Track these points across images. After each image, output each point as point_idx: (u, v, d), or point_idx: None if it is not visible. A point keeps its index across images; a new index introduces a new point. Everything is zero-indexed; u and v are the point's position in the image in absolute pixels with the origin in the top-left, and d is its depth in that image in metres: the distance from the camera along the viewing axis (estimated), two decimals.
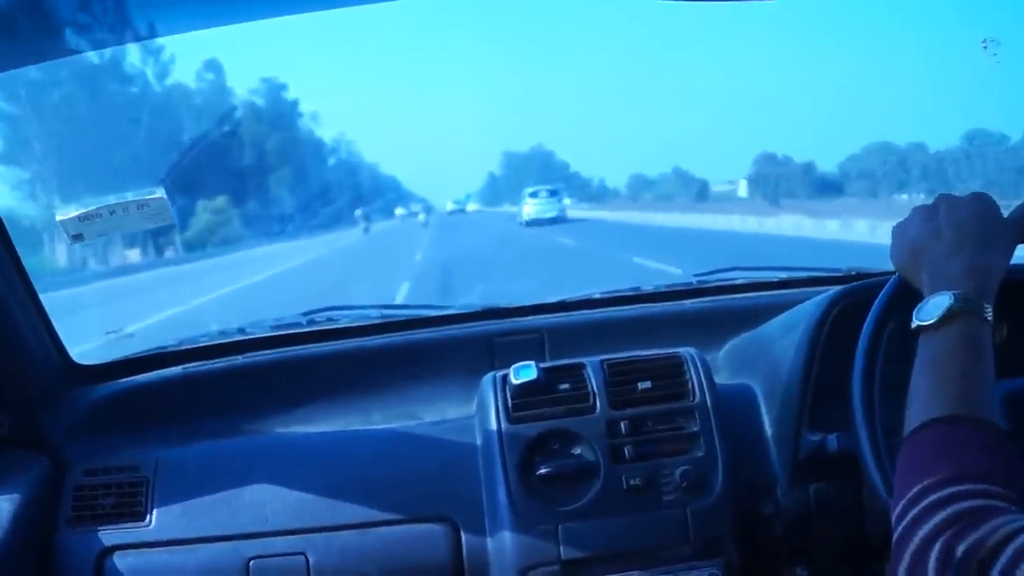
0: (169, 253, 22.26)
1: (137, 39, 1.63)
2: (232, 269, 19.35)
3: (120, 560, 1.67)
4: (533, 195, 27.32)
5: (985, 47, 1.80)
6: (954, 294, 1.06)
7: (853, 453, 1.35)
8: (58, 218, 1.54)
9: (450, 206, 42.56)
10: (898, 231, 1.20)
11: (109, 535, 1.69)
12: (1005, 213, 1.17)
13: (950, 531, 0.85)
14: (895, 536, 0.92)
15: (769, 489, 1.68)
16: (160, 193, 1.59)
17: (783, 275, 2.29)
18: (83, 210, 1.55)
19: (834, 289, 1.69)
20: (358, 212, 30.55)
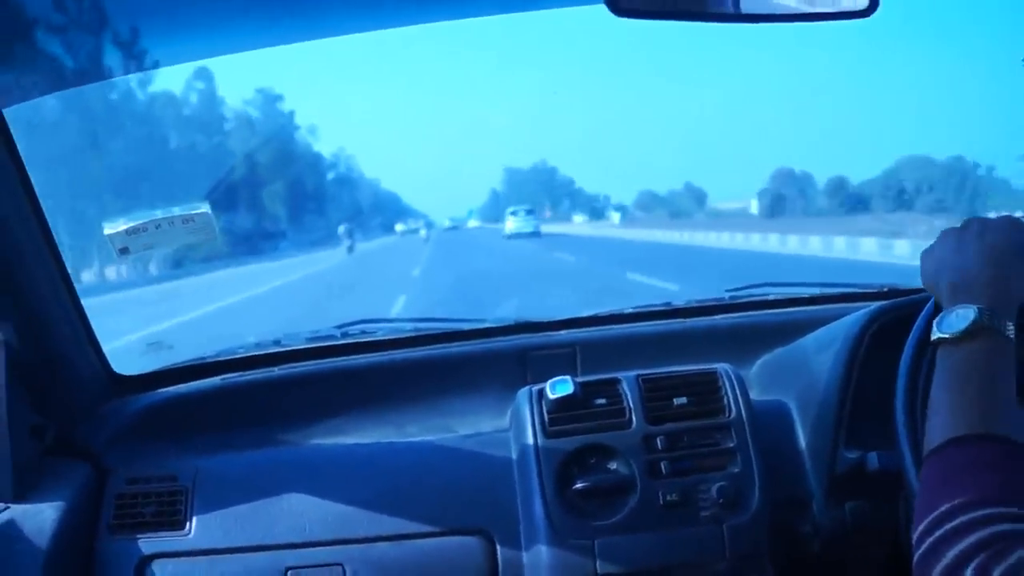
0: (152, 269, 20.92)
1: (141, 70, 1.65)
2: (214, 288, 18.14)
3: (159, 568, 1.69)
4: (514, 213, 32.74)
5: None
6: (979, 308, 1.06)
7: (894, 472, 1.35)
8: (106, 231, 1.56)
9: (447, 223, 44.25)
10: (927, 252, 1.20)
11: (149, 543, 1.71)
12: None
13: (985, 553, 0.86)
14: (919, 551, 0.92)
15: (805, 506, 1.68)
16: (205, 208, 1.62)
17: (815, 291, 2.29)
18: (131, 224, 1.57)
19: (873, 305, 1.69)
20: (341, 228, 28.33)
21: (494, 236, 33.61)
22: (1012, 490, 0.92)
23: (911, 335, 1.27)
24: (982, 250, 1.12)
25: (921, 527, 0.93)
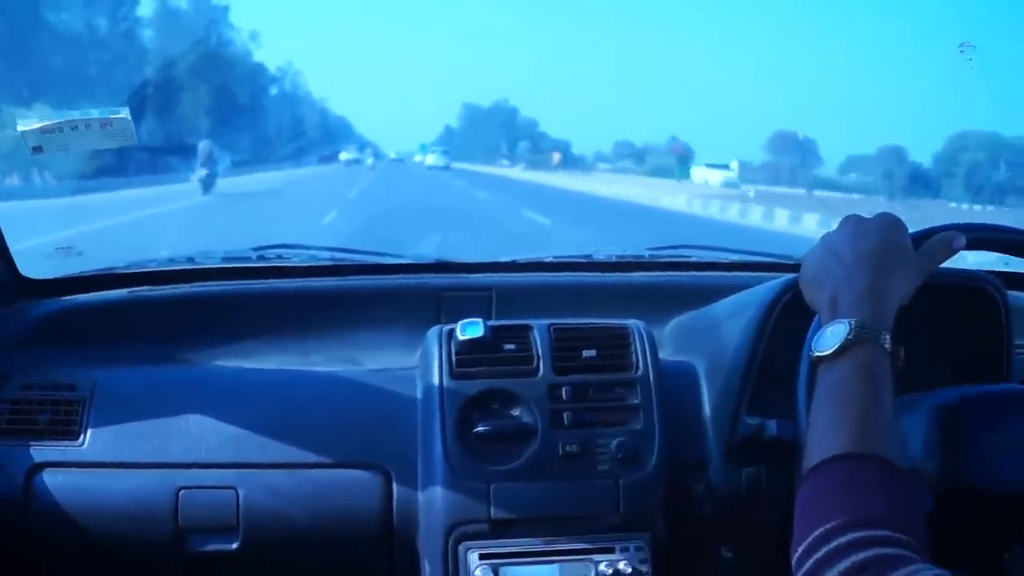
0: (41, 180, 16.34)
1: None
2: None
3: (50, 477, 1.66)
4: (432, 152, 41.79)
5: (962, 51, 1.82)
6: (850, 322, 1.06)
7: (791, 441, 1.37)
8: (19, 127, 1.51)
9: (392, 155, 45.16)
10: (806, 256, 1.20)
11: (41, 451, 1.68)
12: None
13: None
14: (799, 573, 0.92)
15: (702, 468, 1.70)
16: (124, 113, 1.57)
17: (735, 257, 2.31)
18: (46, 122, 1.52)
19: (787, 276, 1.70)
20: (202, 146, 19.76)
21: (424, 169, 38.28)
22: (885, 511, 0.93)
23: (807, 341, 1.27)
24: (857, 258, 1.11)
25: (800, 549, 0.94)
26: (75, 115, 1.56)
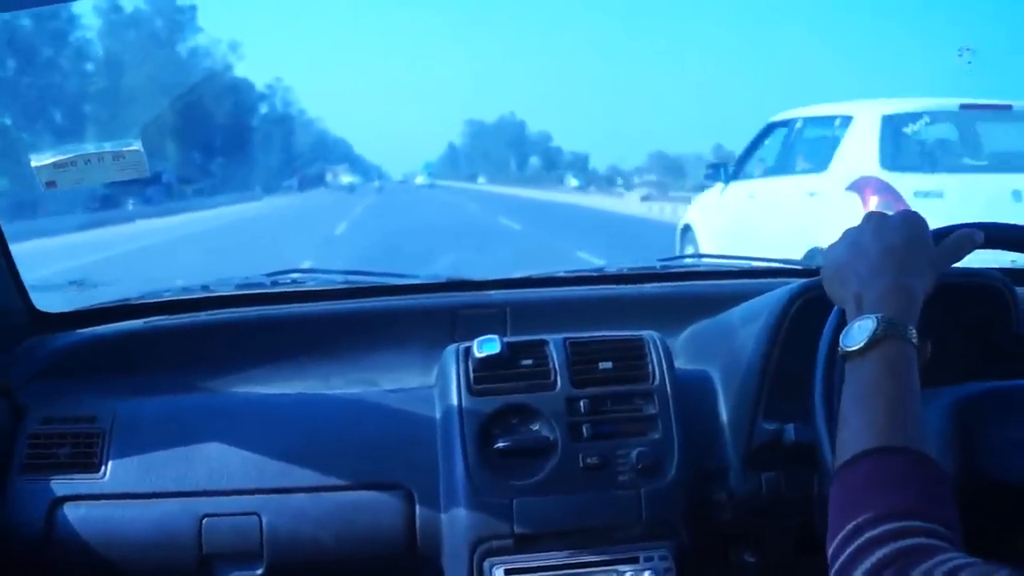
0: None
1: None
2: None
3: (71, 511, 1.67)
4: (420, 174, 45.60)
5: (960, 55, 1.83)
6: (877, 318, 1.07)
7: (809, 444, 1.38)
8: (33, 164, 1.52)
9: (376, 184, 45.12)
10: (828, 251, 1.21)
11: (62, 485, 1.68)
12: None
13: (889, 571, 0.87)
14: (834, 569, 0.93)
15: (722, 475, 1.71)
16: (137, 145, 1.58)
17: (746, 265, 2.31)
18: (59, 157, 1.54)
19: (799, 281, 1.71)
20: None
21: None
22: (917, 503, 0.93)
23: (835, 309, 1.28)
24: (881, 253, 1.13)
25: (834, 544, 0.94)
26: (89, 148, 1.58)
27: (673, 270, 2.30)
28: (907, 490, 0.95)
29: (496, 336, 1.75)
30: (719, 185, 8.13)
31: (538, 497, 1.63)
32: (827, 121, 7.12)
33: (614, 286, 2.23)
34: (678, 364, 1.81)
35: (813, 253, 5.08)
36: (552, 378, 1.72)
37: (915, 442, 1.00)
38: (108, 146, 1.58)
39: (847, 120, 6.70)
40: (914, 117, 6.45)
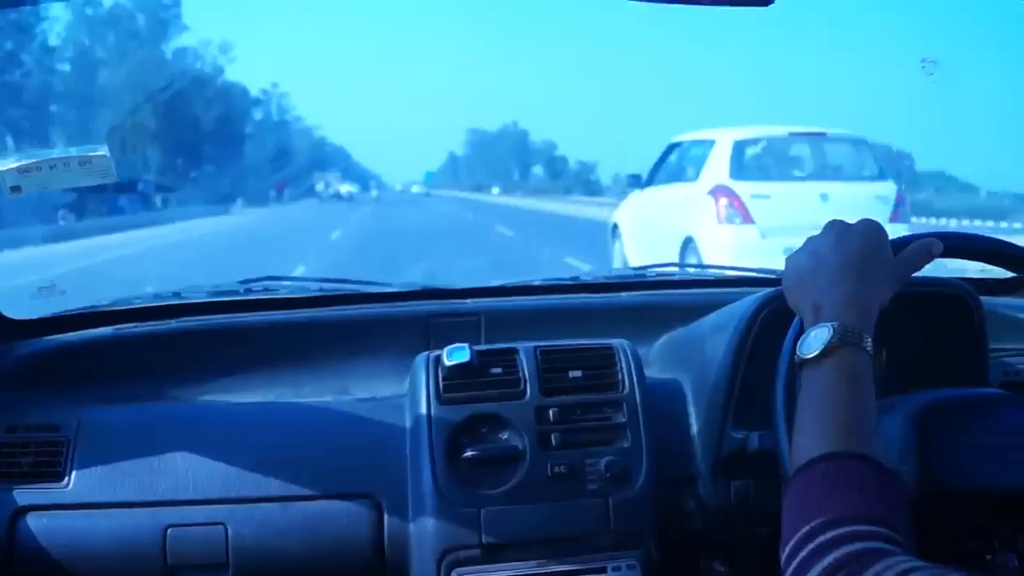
0: None
1: None
2: None
3: (35, 520, 1.65)
4: (416, 184, 49.63)
5: (923, 67, 1.84)
6: (833, 326, 1.08)
7: (772, 452, 1.38)
8: None
9: (374, 192, 43.96)
10: (789, 262, 1.21)
11: (25, 494, 1.66)
12: None
13: (841, 574, 0.87)
14: (787, 573, 0.93)
15: (691, 484, 1.71)
16: (103, 151, 1.57)
17: (721, 274, 2.32)
18: (24, 161, 1.52)
19: (765, 291, 1.72)
20: None
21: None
22: (870, 507, 0.94)
23: (796, 318, 1.29)
24: (840, 262, 1.13)
25: (788, 548, 0.95)
26: (54, 154, 1.56)
27: (648, 279, 2.30)
28: (860, 494, 0.95)
29: (466, 344, 1.74)
30: (636, 191, 10.19)
31: (506, 506, 1.63)
32: (701, 143, 9.36)
33: (590, 295, 2.23)
34: (652, 373, 1.81)
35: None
36: (522, 387, 1.71)
37: (868, 447, 1.00)
38: (74, 151, 1.57)
39: (711, 143, 8.96)
40: (755, 141, 9.05)
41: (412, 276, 7.77)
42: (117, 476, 1.67)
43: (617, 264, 9.90)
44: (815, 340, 1.09)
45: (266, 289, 2.22)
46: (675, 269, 2.40)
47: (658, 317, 2.03)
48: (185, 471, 1.67)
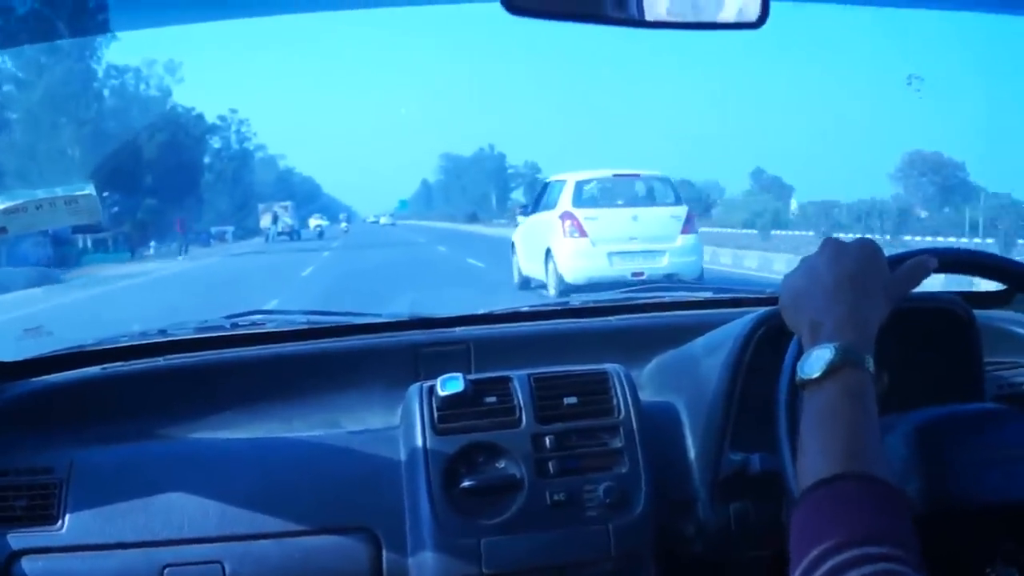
0: None
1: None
2: None
3: (29, 564, 1.62)
4: (384, 215, 51.89)
5: (910, 83, 1.86)
6: (834, 347, 1.07)
7: (775, 474, 1.37)
8: None
9: (344, 225, 41.87)
10: (787, 281, 1.21)
11: (19, 538, 1.64)
12: None
13: None
14: None
15: (690, 507, 1.70)
16: (90, 190, 1.56)
17: (710, 295, 2.32)
18: (9, 203, 1.51)
19: (760, 310, 1.71)
20: None
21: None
22: (879, 528, 0.93)
23: (795, 337, 1.29)
24: (837, 282, 1.13)
25: (798, 573, 0.94)
26: (40, 194, 1.55)
27: (637, 302, 2.30)
28: (869, 515, 0.95)
29: (460, 374, 1.73)
30: (524, 217, 14.14)
31: (506, 536, 1.61)
32: (559, 182, 13.02)
33: (578, 319, 2.22)
34: (644, 396, 1.80)
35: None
36: (517, 415, 1.70)
37: (874, 468, 1.00)
38: (60, 191, 1.56)
39: (564, 183, 12.72)
40: (589, 181, 12.83)
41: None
42: (111, 517, 1.65)
43: (515, 272, 13.74)
44: (816, 361, 1.08)
45: (253, 324, 2.20)
46: (663, 291, 2.37)
47: (649, 340, 2.03)
48: (179, 510, 1.66)
